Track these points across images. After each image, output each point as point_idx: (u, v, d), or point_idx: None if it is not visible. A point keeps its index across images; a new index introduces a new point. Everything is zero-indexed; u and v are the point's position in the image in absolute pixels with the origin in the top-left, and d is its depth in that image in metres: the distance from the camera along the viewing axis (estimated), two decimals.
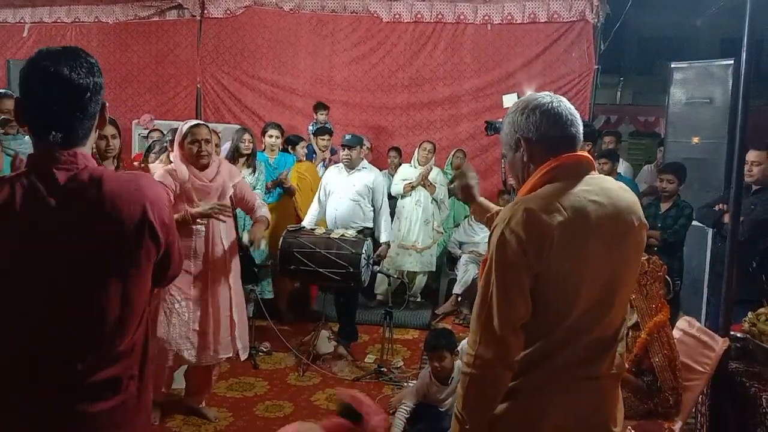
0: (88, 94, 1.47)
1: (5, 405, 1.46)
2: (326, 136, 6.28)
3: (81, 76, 1.44)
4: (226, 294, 3.52)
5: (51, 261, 1.42)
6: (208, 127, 3.47)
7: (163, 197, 1.57)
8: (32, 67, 1.44)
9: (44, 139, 1.45)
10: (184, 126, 3.38)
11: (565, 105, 1.67)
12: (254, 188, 4.81)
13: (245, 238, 3.72)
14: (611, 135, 7.10)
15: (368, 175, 4.99)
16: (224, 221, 3.43)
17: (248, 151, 4.97)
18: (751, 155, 4.11)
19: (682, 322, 3.19)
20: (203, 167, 3.39)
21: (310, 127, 6.86)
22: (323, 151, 6.34)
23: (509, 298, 1.54)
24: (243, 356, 3.69)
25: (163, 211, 1.53)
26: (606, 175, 5.72)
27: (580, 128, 1.68)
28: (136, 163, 4.25)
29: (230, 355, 3.58)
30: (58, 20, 8.36)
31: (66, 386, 1.46)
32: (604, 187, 1.63)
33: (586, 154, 1.68)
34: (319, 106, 7.02)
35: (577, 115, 1.69)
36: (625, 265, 1.64)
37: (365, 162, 5.11)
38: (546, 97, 1.68)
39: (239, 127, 5.53)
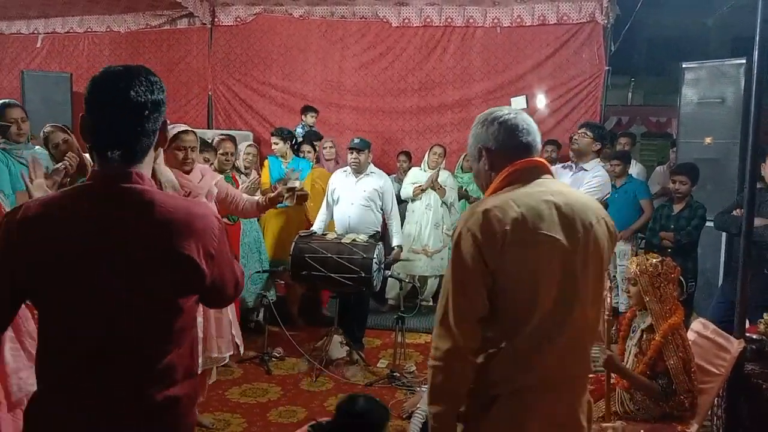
0: (146, 111, 1.47)
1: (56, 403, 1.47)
2: (317, 142, 6.14)
3: (139, 94, 1.46)
4: None
5: (89, 278, 1.42)
6: (195, 134, 3.45)
7: (213, 227, 1.53)
8: (94, 85, 1.47)
9: (103, 156, 1.47)
10: (173, 130, 3.32)
11: (522, 117, 1.80)
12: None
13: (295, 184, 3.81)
14: (627, 136, 7.10)
15: (377, 179, 4.98)
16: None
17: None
18: None
19: (697, 324, 3.17)
20: (187, 172, 3.39)
21: (300, 130, 6.77)
22: (309, 153, 6.11)
23: (464, 294, 1.64)
24: (243, 353, 3.88)
25: (209, 242, 1.50)
26: (618, 176, 5.74)
27: (538, 137, 1.80)
28: None
29: (232, 352, 3.62)
30: (71, 30, 8.46)
31: (104, 401, 1.45)
32: (558, 189, 1.73)
33: (541, 159, 1.79)
34: (308, 109, 7.00)
35: (535, 126, 1.80)
36: (583, 264, 1.67)
37: (373, 166, 5.09)
38: (505, 110, 1.83)
39: (227, 136, 5.19)
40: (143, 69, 1.51)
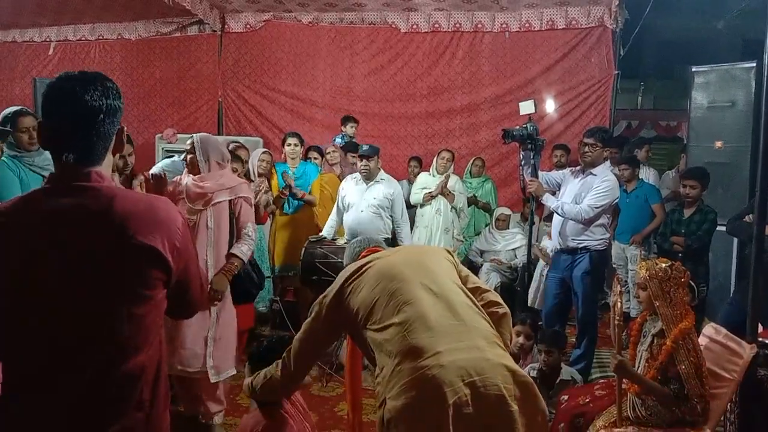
0: (101, 115, 1.49)
1: (11, 411, 1.47)
2: (356, 153, 5.84)
3: (94, 98, 1.48)
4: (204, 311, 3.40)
5: (58, 274, 1.44)
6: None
7: (177, 221, 1.56)
8: (50, 89, 1.50)
9: (59, 158, 1.50)
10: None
11: (356, 241, 2.79)
12: None
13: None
14: (646, 143, 7.09)
15: (387, 187, 4.96)
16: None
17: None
18: None
19: (709, 329, 3.15)
20: (195, 174, 3.55)
21: (339, 140, 6.66)
22: (353, 165, 5.87)
23: None
24: (212, 378, 3.45)
25: (174, 235, 1.52)
26: (627, 180, 5.75)
27: (371, 242, 2.72)
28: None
29: (197, 369, 3.42)
30: (83, 38, 8.55)
31: (67, 403, 1.45)
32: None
33: (372, 248, 2.58)
34: (347, 119, 6.84)
35: (366, 238, 2.79)
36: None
37: (383, 173, 5.07)
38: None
39: (241, 144, 5.31)
40: (99, 75, 1.54)
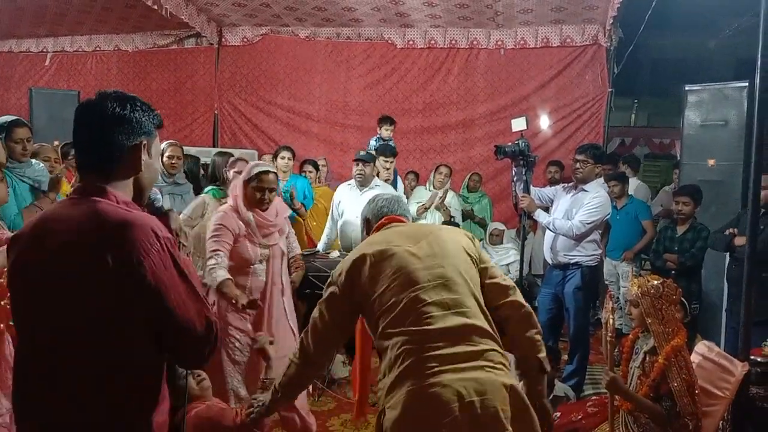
0: (111, 123, 1.48)
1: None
2: (390, 158, 5.51)
3: (107, 106, 1.47)
4: (288, 332, 3.50)
5: (40, 288, 1.43)
6: (276, 174, 3.45)
7: (148, 242, 1.40)
8: (81, 102, 1.54)
9: (79, 171, 1.52)
10: (254, 169, 3.35)
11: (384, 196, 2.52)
12: None
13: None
14: (628, 164, 7.10)
15: (382, 192, 4.93)
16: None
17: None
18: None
19: (701, 347, 3.15)
20: (263, 210, 3.40)
21: (373, 142, 6.49)
22: (387, 170, 5.52)
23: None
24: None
25: (137, 254, 1.37)
26: (617, 197, 5.76)
27: (398, 206, 2.46)
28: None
29: None
30: (79, 49, 8.59)
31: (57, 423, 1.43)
32: (400, 230, 2.29)
33: (395, 216, 2.41)
34: (384, 120, 6.50)
35: (395, 199, 2.50)
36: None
37: (377, 179, 5.04)
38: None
39: (226, 152, 5.20)
40: (134, 96, 1.53)
